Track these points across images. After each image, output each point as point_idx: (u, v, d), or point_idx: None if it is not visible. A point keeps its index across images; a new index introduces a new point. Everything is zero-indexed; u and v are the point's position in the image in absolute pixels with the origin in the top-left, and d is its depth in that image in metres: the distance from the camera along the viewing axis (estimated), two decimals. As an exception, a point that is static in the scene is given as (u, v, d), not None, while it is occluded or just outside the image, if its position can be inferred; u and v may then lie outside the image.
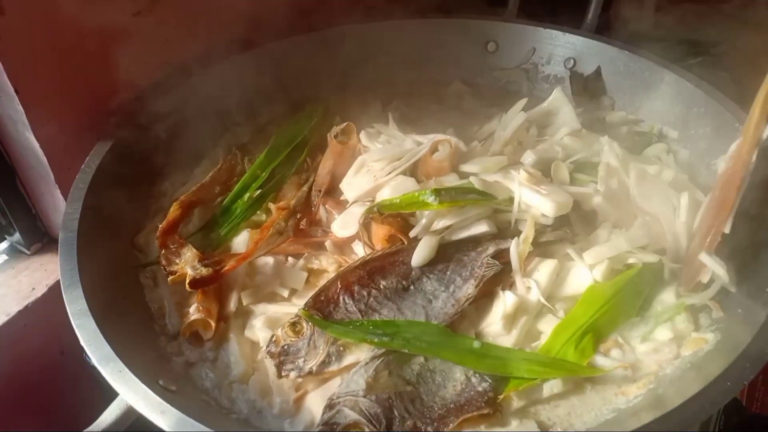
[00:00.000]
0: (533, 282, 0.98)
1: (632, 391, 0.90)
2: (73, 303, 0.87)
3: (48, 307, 1.15)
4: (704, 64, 1.30)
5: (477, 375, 0.89)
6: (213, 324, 0.97)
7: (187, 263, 0.99)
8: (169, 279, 0.99)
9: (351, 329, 0.92)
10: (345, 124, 1.19)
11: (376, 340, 0.89)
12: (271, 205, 1.11)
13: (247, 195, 1.16)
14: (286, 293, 1.03)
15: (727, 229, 0.94)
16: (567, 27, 1.46)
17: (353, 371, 0.88)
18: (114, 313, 0.90)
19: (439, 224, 1.00)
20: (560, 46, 1.47)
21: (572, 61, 1.46)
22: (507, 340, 0.95)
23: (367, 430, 0.83)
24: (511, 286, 0.99)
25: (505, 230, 1.03)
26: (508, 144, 1.19)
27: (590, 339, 0.92)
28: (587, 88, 1.44)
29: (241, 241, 1.10)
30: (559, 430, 0.87)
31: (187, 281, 0.96)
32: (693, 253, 1.01)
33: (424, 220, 1.00)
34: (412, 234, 1.01)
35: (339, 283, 0.96)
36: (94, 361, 0.81)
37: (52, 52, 1.03)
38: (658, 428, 0.75)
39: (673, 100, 1.30)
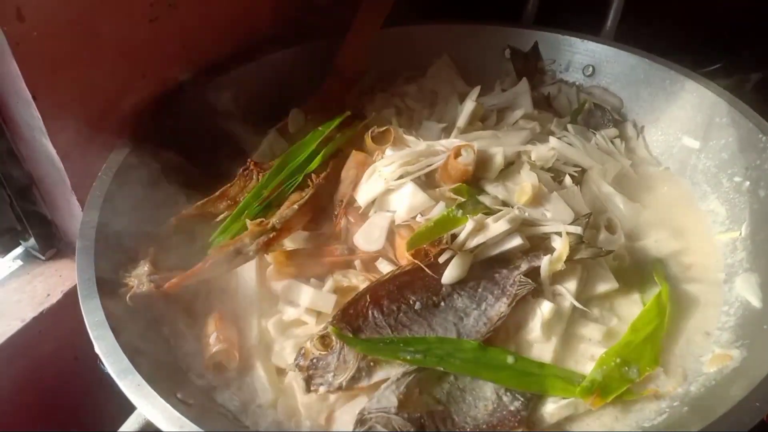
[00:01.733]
0: (563, 289, 0.97)
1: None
2: (91, 314, 0.86)
3: (63, 314, 1.14)
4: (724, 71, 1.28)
5: (508, 393, 0.88)
6: (237, 354, 0.94)
7: (138, 277, 0.96)
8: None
9: (381, 347, 0.90)
10: (384, 128, 1.16)
11: (408, 357, 0.88)
12: (248, 221, 1.05)
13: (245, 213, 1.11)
14: (313, 320, 1.00)
15: None
16: (586, 34, 1.45)
17: (384, 387, 0.87)
18: (132, 325, 0.89)
19: (473, 242, 0.97)
20: (579, 54, 1.46)
21: (591, 69, 1.45)
22: (547, 348, 0.94)
23: None
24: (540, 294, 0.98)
25: (536, 246, 1.01)
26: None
27: (636, 363, 0.92)
28: (528, 67, 1.46)
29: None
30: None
31: (128, 295, 0.93)
32: None
33: (461, 237, 0.97)
34: (443, 258, 0.97)
35: (368, 296, 0.94)
36: (113, 374, 0.80)
37: (70, 58, 1.03)
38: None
39: (694, 110, 1.28)
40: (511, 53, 1.50)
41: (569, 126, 1.31)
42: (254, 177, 1.15)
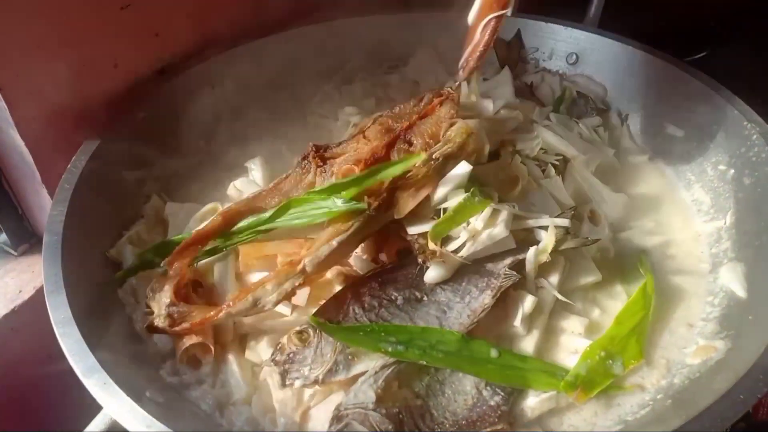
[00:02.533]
0: (546, 281, 0.96)
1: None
2: (56, 310, 0.83)
3: (35, 311, 1.08)
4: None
5: (489, 387, 0.86)
6: (212, 347, 0.92)
7: (158, 303, 0.92)
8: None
9: (361, 336, 0.87)
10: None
11: (390, 349, 0.85)
12: (280, 258, 0.96)
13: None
14: (288, 311, 0.97)
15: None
16: (569, 21, 1.43)
17: (361, 380, 0.84)
18: (100, 322, 0.87)
19: (471, 250, 0.93)
20: (562, 41, 1.44)
21: (574, 57, 1.43)
22: (529, 341, 0.92)
23: None
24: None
25: (521, 239, 0.98)
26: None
27: (620, 356, 0.90)
28: (510, 56, 1.44)
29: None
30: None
31: (145, 324, 0.91)
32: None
33: (453, 246, 0.93)
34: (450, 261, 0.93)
35: (349, 293, 0.92)
36: (78, 373, 0.77)
37: (37, 46, 0.99)
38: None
39: (678, 98, 1.26)
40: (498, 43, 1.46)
41: (551, 115, 1.29)
42: (312, 170, 0.99)
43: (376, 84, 1.46)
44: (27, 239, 1.19)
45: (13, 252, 1.18)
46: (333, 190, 0.91)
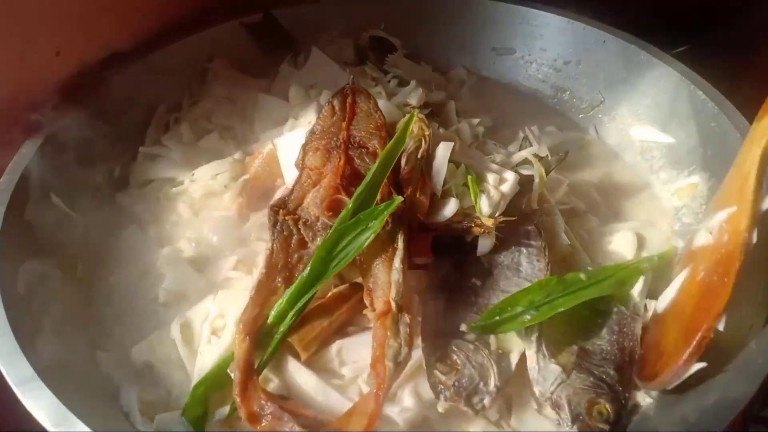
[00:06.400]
0: None
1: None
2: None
3: None
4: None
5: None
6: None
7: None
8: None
9: (498, 321, 0.92)
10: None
11: (528, 318, 0.91)
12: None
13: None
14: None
15: (721, 327, 0.78)
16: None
17: (532, 368, 0.90)
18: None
19: (503, 207, 1.03)
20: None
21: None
22: None
23: (605, 403, 0.86)
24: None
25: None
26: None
27: None
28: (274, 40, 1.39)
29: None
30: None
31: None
32: (664, 342, 0.89)
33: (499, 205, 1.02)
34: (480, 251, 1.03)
35: (441, 305, 0.97)
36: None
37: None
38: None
39: (656, 92, 1.24)
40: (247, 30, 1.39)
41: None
42: (294, 231, 0.96)
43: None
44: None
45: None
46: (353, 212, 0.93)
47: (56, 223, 1.04)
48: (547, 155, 1.13)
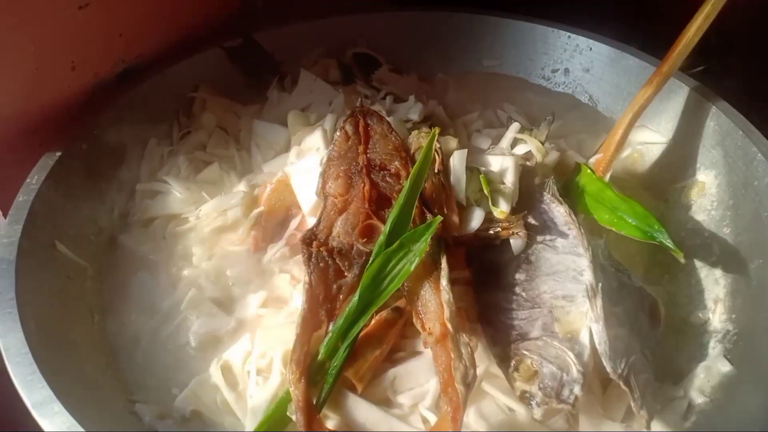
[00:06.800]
0: None
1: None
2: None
3: None
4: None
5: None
6: None
7: None
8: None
9: None
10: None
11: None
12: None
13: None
14: None
15: None
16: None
17: (602, 341, 0.85)
18: (60, 354, 0.84)
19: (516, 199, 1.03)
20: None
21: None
22: None
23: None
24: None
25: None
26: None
27: None
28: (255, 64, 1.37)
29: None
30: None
31: None
32: None
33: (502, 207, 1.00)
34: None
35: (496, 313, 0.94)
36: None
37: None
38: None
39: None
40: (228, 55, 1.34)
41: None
42: (331, 264, 0.90)
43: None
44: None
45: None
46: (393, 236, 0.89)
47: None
48: (533, 128, 1.16)
